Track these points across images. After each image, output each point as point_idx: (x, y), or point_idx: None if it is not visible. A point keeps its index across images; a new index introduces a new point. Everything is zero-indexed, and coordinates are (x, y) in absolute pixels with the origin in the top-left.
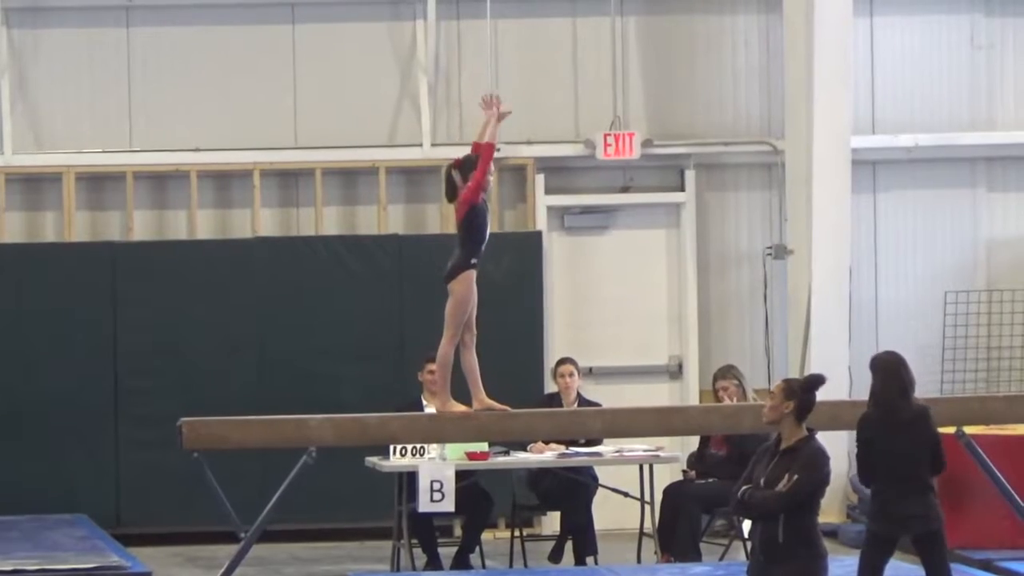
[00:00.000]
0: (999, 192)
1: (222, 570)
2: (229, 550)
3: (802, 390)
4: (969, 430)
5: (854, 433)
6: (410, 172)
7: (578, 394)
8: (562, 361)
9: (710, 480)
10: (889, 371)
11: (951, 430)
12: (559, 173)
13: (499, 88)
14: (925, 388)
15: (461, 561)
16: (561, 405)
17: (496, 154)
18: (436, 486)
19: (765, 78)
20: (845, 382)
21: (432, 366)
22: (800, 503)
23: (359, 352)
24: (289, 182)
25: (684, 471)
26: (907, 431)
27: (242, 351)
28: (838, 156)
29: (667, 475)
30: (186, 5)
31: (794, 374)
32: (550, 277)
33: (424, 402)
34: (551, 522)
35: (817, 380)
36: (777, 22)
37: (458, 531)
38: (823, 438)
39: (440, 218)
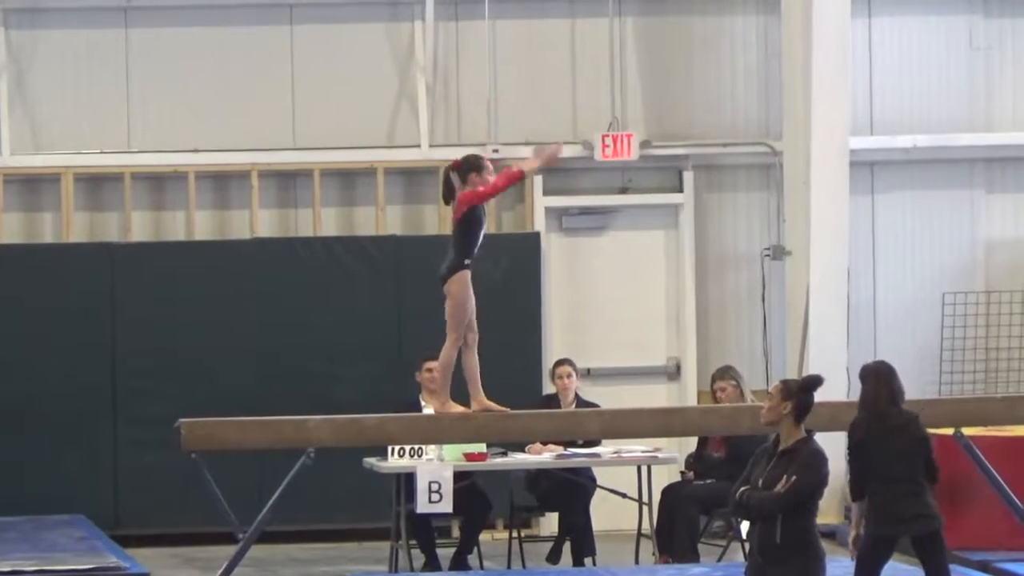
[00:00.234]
0: (997, 193)
1: (220, 571)
2: (227, 551)
3: (800, 391)
4: (967, 431)
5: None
6: (408, 173)
7: (576, 395)
8: (560, 362)
9: (708, 481)
10: (879, 379)
11: (949, 431)
12: (557, 174)
13: (497, 89)
14: (923, 389)
15: (459, 562)
16: (559, 406)
17: (494, 155)
18: (434, 487)
19: (763, 79)
20: (843, 383)
21: (430, 365)
22: (798, 504)
23: (357, 353)
24: (287, 183)
25: (682, 472)
26: (899, 434)
27: (240, 352)
28: (836, 157)
29: (665, 476)
30: (184, 6)
31: (792, 375)
32: (548, 278)
33: (422, 403)
34: (549, 523)
35: (815, 381)
36: (775, 23)
37: (456, 532)
38: (821, 439)
39: (438, 219)
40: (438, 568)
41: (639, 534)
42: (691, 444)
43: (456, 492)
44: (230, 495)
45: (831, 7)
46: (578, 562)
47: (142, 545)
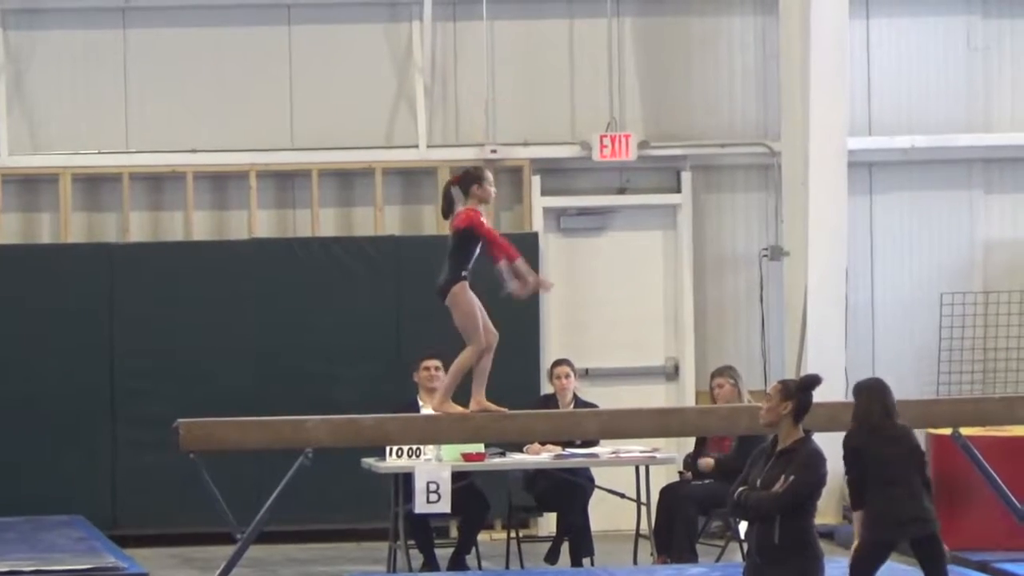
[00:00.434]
0: (995, 194)
1: (219, 571)
2: (226, 551)
3: (799, 391)
4: (965, 431)
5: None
6: (406, 173)
7: (574, 395)
8: (558, 362)
9: (706, 481)
10: (872, 395)
11: (947, 431)
12: (555, 175)
13: (495, 90)
14: (921, 389)
15: (457, 562)
16: (557, 406)
17: (491, 156)
18: (432, 487)
19: (761, 80)
20: (842, 384)
21: (428, 364)
22: (796, 504)
23: (356, 353)
24: (285, 183)
25: (680, 472)
26: (894, 443)
27: (239, 352)
28: (834, 158)
29: (663, 476)
30: (182, 7)
31: (791, 376)
32: (546, 278)
33: (420, 403)
34: (547, 523)
35: (813, 380)
36: (773, 24)
37: (454, 532)
38: (820, 440)
39: (436, 219)
40: (436, 568)
41: (637, 534)
42: (689, 444)
43: (454, 492)
44: (228, 495)
45: (829, 8)
46: (576, 562)
47: (140, 545)
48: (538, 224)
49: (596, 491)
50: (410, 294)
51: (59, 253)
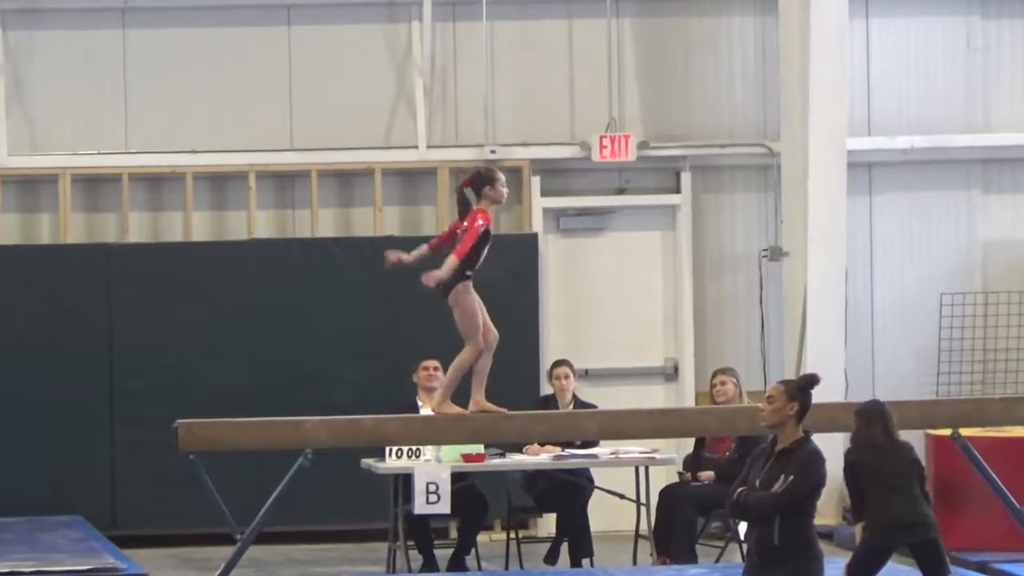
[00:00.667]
0: (995, 194)
1: (218, 572)
2: (225, 552)
3: (801, 391)
4: (965, 432)
5: (850, 435)
6: (406, 174)
7: (574, 396)
8: (558, 363)
9: (706, 482)
10: (872, 417)
11: (947, 432)
12: (555, 175)
13: (494, 90)
14: (921, 390)
15: (457, 563)
16: (557, 407)
17: (491, 156)
18: (432, 488)
19: (761, 80)
20: (841, 384)
21: (427, 363)
22: (796, 504)
23: (355, 354)
24: (285, 184)
25: (680, 473)
26: (894, 456)
27: (238, 353)
28: (834, 158)
29: (663, 477)
30: (182, 7)
31: (790, 376)
32: (546, 279)
33: (419, 403)
34: (547, 524)
35: (812, 379)
36: (773, 24)
37: (454, 533)
38: (818, 441)
39: (436, 220)
40: (436, 569)
41: (637, 535)
42: (689, 445)
43: (454, 493)
44: (228, 496)
45: (829, 8)
46: (576, 563)
47: (140, 546)
48: (537, 225)
49: (595, 492)
50: (409, 295)
51: (58, 254)
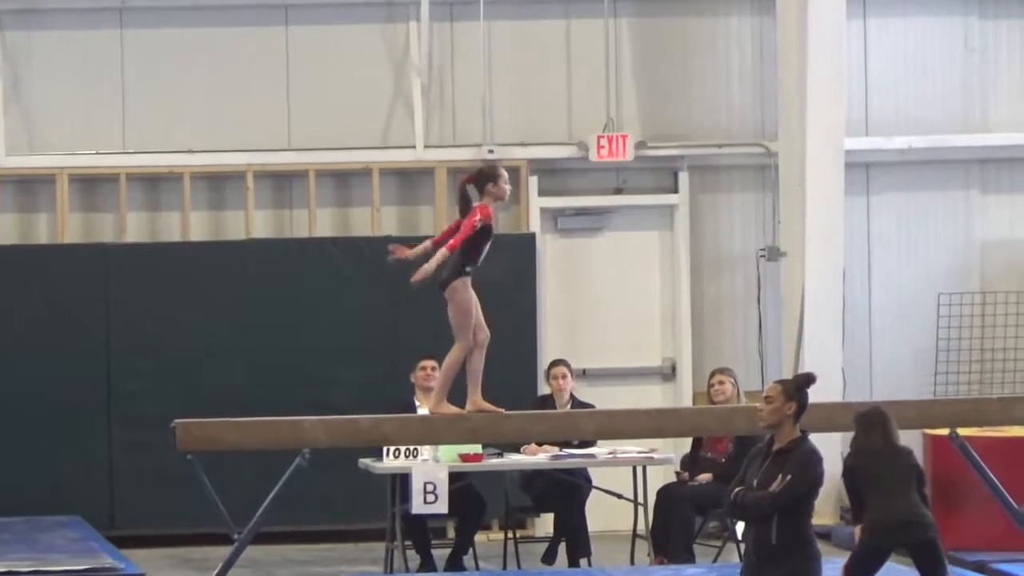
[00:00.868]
0: (992, 194)
1: (215, 572)
2: (223, 552)
3: (799, 390)
4: (963, 432)
5: (848, 435)
6: (403, 174)
7: (571, 396)
8: (555, 363)
9: (703, 482)
10: (872, 423)
11: (945, 432)
12: (552, 175)
13: (492, 90)
14: (919, 390)
15: (454, 563)
16: (554, 407)
17: (488, 156)
18: (429, 488)
19: (758, 80)
20: (839, 384)
21: (424, 363)
22: (793, 503)
23: (353, 354)
24: (282, 184)
25: (677, 473)
26: (893, 460)
27: (236, 353)
28: (831, 158)
29: (660, 477)
30: (179, 7)
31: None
32: (544, 279)
33: (417, 403)
34: (544, 524)
35: (809, 378)
36: (770, 24)
37: (451, 533)
38: (816, 440)
39: (433, 220)
40: (433, 569)
41: (634, 535)
42: (686, 445)
43: (451, 493)
44: (226, 496)
45: (826, 8)
46: (573, 563)
47: (138, 546)
48: (535, 224)
49: (593, 491)
50: (407, 295)
51: (56, 254)
